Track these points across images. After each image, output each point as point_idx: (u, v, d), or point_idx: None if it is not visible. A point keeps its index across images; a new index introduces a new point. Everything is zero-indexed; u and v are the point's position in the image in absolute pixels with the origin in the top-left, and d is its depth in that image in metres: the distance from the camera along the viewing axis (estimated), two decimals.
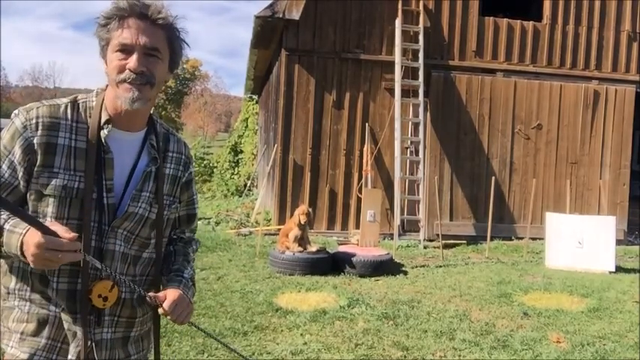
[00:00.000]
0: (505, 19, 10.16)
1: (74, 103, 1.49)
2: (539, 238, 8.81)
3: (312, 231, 8.59)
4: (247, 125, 19.17)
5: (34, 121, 1.42)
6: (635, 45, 10.49)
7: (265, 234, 8.72)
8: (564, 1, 10.23)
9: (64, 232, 1.29)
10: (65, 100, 1.49)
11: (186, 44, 1.54)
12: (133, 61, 1.42)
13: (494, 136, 10.08)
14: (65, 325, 1.47)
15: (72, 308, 1.45)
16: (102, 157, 1.46)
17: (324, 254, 6.81)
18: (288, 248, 6.70)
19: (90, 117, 1.47)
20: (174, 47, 1.51)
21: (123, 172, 1.51)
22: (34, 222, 1.29)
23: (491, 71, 10.09)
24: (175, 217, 1.74)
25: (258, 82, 15.78)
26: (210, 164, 19.21)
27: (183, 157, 1.68)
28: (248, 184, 15.02)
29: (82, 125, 1.46)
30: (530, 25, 10.23)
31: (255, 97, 18.51)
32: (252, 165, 16.58)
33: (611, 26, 10.39)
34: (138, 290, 1.51)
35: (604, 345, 4.46)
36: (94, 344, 1.46)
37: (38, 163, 1.41)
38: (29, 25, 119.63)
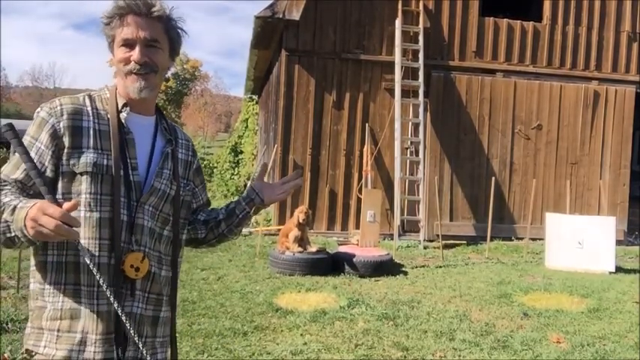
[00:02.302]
0: (505, 19, 10.16)
1: (90, 96, 1.61)
2: (539, 239, 8.81)
3: (312, 231, 8.60)
4: (247, 125, 19.16)
5: (58, 108, 1.52)
6: (635, 45, 10.50)
7: (265, 234, 8.72)
8: (564, 1, 10.24)
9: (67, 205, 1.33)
10: (81, 94, 1.61)
11: (184, 32, 1.67)
12: (135, 53, 1.56)
13: (495, 137, 10.08)
14: (88, 305, 1.50)
15: (107, 282, 1.47)
16: (124, 137, 1.57)
17: (324, 255, 6.81)
18: (288, 249, 6.70)
19: (107, 105, 1.59)
20: (172, 36, 1.64)
21: (143, 151, 1.61)
22: (48, 191, 1.34)
23: (491, 72, 10.09)
24: (199, 202, 1.84)
25: (258, 82, 15.78)
26: (210, 164, 19.20)
27: (190, 144, 1.81)
28: (248, 185, 15.02)
29: (102, 111, 1.58)
30: (530, 25, 10.23)
31: (255, 97, 18.50)
32: (252, 165, 16.58)
33: (611, 26, 10.39)
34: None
35: (604, 345, 4.46)
36: (124, 315, 1.45)
37: (67, 145, 1.50)
38: (29, 25, 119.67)
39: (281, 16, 9.20)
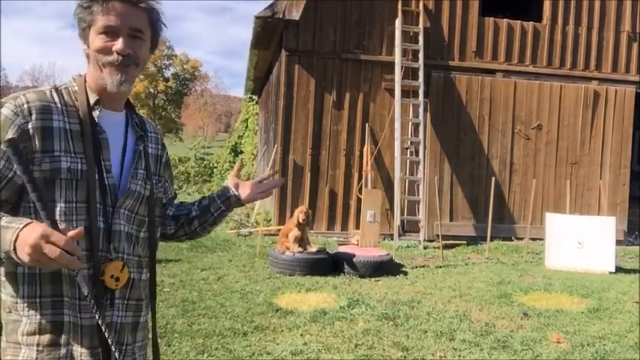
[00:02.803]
0: (505, 19, 10.16)
1: (57, 89, 1.48)
2: (539, 239, 8.81)
3: (312, 231, 8.60)
4: (247, 126, 19.18)
5: (25, 106, 1.38)
6: (635, 45, 10.50)
7: (265, 234, 8.72)
8: (564, 1, 10.24)
9: (68, 232, 1.26)
10: (46, 87, 1.48)
11: (164, 25, 1.58)
12: (119, 43, 1.44)
13: (495, 137, 10.08)
14: (77, 317, 1.43)
15: (88, 293, 1.40)
16: (97, 137, 1.46)
17: (324, 255, 6.81)
18: (288, 249, 6.70)
19: (76, 100, 1.46)
20: (156, 28, 1.54)
21: (116, 151, 1.51)
22: (50, 215, 1.25)
23: (491, 72, 10.09)
24: (169, 197, 1.76)
25: (258, 82, 15.78)
26: (210, 164, 19.22)
27: (159, 137, 1.71)
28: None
29: (71, 108, 1.45)
30: (530, 25, 10.23)
31: (255, 97, 18.51)
32: (253, 165, 16.59)
33: (611, 26, 10.39)
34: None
35: (604, 345, 4.46)
36: (107, 332, 1.40)
37: (37, 149, 1.37)
38: (29, 25, 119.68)
39: (281, 16, 9.20)
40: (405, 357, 4.11)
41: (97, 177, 1.43)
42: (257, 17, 9.35)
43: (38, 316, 1.40)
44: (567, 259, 7.66)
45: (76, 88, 1.49)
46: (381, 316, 5.00)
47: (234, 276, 6.35)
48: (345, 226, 9.67)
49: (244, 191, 1.76)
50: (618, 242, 8.46)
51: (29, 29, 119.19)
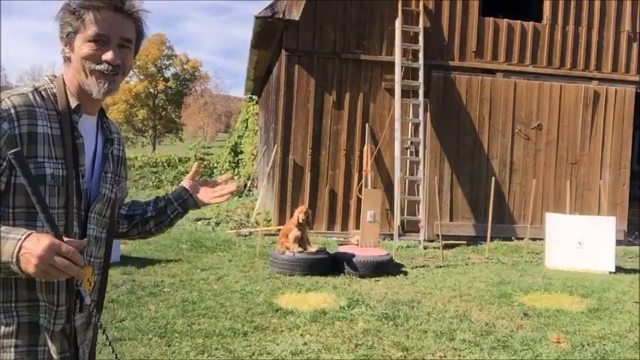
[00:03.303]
0: (505, 19, 10.16)
1: (38, 91, 1.46)
2: (539, 239, 8.81)
3: (312, 231, 8.59)
4: (247, 126, 19.17)
5: (11, 111, 1.36)
6: (635, 45, 10.50)
7: (265, 234, 8.72)
8: (564, 1, 10.24)
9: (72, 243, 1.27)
10: (27, 88, 1.46)
11: (145, 34, 1.59)
12: (110, 54, 1.44)
13: (495, 137, 10.09)
14: (46, 321, 1.43)
15: (64, 299, 1.44)
16: (75, 143, 1.46)
17: (324, 255, 6.81)
18: (288, 249, 6.70)
19: (56, 103, 1.45)
20: (141, 36, 1.56)
21: (88, 155, 1.52)
22: (54, 225, 1.25)
23: (492, 72, 10.10)
24: (125, 195, 1.80)
25: (259, 82, 15.78)
26: (210, 164, 19.20)
27: (120, 137, 1.71)
28: (248, 185, 15.02)
29: (52, 112, 1.44)
30: (530, 25, 10.23)
31: (255, 97, 18.51)
32: (252, 165, 16.59)
33: (611, 26, 10.40)
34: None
35: (604, 345, 4.46)
36: (75, 330, 1.46)
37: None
38: (29, 25, 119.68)
39: (281, 16, 9.20)
40: (405, 357, 4.11)
41: (74, 182, 1.44)
42: (257, 17, 9.35)
43: (15, 319, 1.39)
44: (567, 259, 7.66)
45: (55, 90, 1.47)
46: (381, 316, 5.00)
47: (234, 276, 6.35)
48: (345, 226, 9.67)
49: (201, 194, 1.79)
50: (618, 242, 8.45)
51: (29, 29, 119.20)
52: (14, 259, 1.21)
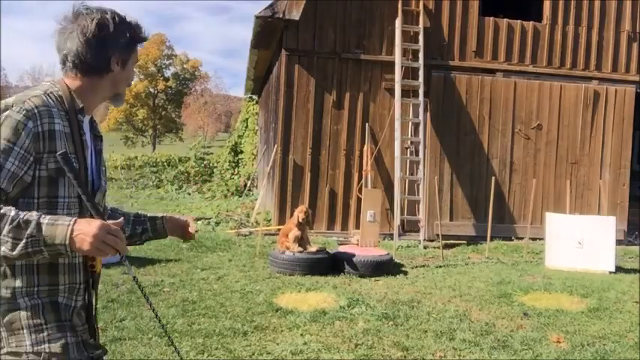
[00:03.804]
0: (505, 19, 10.16)
1: (47, 94, 1.60)
2: (539, 239, 8.81)
3: (312, 231, 8.59)
4: (247, 125, 19.17)
5: (35, 111, 1.51)
6: (635, 45, 10.49)
7: (265, 234, 8.72)
8: (564, 1, 10.23)
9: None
10: (38, 91, 1.60)
11: None
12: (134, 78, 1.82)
13: (495, 137, 10.08)
14: (66, 299, 1.60)
15: (83, 278, 1.64)
16: (82, 139, 1.64)
17: (324, 254, 6.81)
18: (288, 248, 6.70)
19: (63, 104, 1.61)
20: None
21: (88, 151, 1.70)
22: (98, 212, 1.51)
23: (492, 71, 10.09)
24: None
25: (258, 82, 15.78)
26: (210, 164, 19.21)
27: (100, 130, 1.89)
28: (248, 185, 15.02)
29: (62, 112, 1.60)
30: (530, 25, 10.23)
31: (255, 97, 18.51)
32: (252, 165, 16.59)
33: (611, 26, 10.39)
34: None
35: (604, 345, 4.46)
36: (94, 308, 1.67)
37: (45, 149, 1.52)
38: (29, 25, 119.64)
39: (281, 16, 9.20)
40: (405, 357, 4.11)
41: (83, 175, 1.62)
42: (257, 17, 9.35)
43: (39, 300, 1.55)
44: (567, 258, 7.66)
45: (61, 93, 1.63)
46: (381, 316, 5.00)
47: (234, 276, 6.35)
48: (345, 226, 9.67)
49: (170, 226, 2.01)
50: (618, 242, 8.45)
51: (29, 29, 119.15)
52: (67, 241, 1.39)
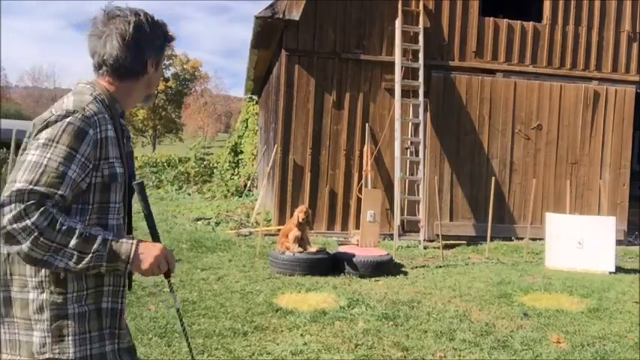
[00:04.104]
0: (505, 19, 10.16)
1: (99, 99, 1.61)
2: (539, 239, 8.80)
3: (312, 231, 8.59)
4: (247, 126, 19.16)
5: (94, 118, 1.53)
6: (635, 45, 10.49)
7: (265, 234, 8.71)
8: (564, 1, 10.23)
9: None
10: (89, 97, 1.59)
11: None
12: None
13: (495, 137, 10.08)
14: (111, 302, 1.64)
15: (122, 283, 1.67)
16: (124, 143, 1.67)
17: (324, 255, 6.81)
18: (288, 249, 6.70)
19: (106, 108, 1.61)
20: None
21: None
22: (155, 232, 1.65)
23: (492, 72, 10.09)
24: None
25: (259, 82, 15.78)
26: (210, 164, 19.20)
27: (129, 134, 1.95)
28: (248, 185, 15.02)
29: (107, 117, 1.61)
30: (530, 25, 10.23)
31: (255, 97, 18.50)
32: (252, 165, 16.58)
33: (611, 26, 10.39)
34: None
35: (604, 345, 4.46)
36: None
37: (100, 157, 1.54)
38: (29, 25, 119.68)
39: (281, 16, 9.20)
40: (405, 357, 4.11)
41: (126, 179, 1.66)
42: (257, 17, 9.35)
43: (84, 307, 1.56)
44: (567, 259, 7.66)
45: (104, 97, 1.62)
46: (381, 316, 4.99)
47: (234, 276, 6.34)
48: (345, 226, 9.67)
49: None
50: (618, 242, 8.45)
51: (29, 29, 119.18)
52: (131, 260, 1.50)
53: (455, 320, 4.99)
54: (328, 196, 9.63)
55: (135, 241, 1.51)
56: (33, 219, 1.36)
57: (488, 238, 8.69)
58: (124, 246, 1.49)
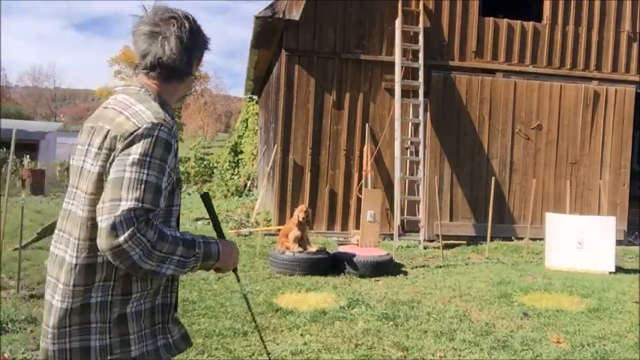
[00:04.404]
0: (505, 19, 10.16)
1: (161, 105, 1.64)
2: (539, 239, 8.80)
3: (312, 231, 8.59)
4: (247, 125, 19.18)
5: (173, 131, 1.58)
6: (635, 45, 10.49)
7: (265, 234, 8.72)
8: (564, 1, 10.23)
9: None
10: (155, 104, 1.61)
11: None
12: None
13: (495, 137, 10.08)
14: (162, 298, 1.69)
15: (174, 278, 1.72)
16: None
17: (324, 254, 6.81)
18: (288, 249, 6.70)
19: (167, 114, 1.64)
20: None
21: None
22: (223, 235, 1.81)
23: (492, 71, 10.09)
24: None
25: (259, 82, 15.78)
26: (210, 164, 19.20)
27: None
28: (248, 185, 15.02)
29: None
30: (530, 25, 10.23)
31: (255, 97, 18.51)
32: (252, 165, 16.59)
33: (611, 26, 10.39)
34: None
35: (604, 345, 4.46)
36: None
37: (174, 164, 1.60)
38: (29, 25, 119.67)
39: (281, 16, 9.20)
40: (405, 357, 4.11)
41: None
42: (257, 17, 9.35)
43: (142, 306, 1.62)
44: (567, 259, 7.66)
45: (160, 100, 1.65)
46: (381, 316, 4.99)
47: (234, 276, 6.33)
48: (345, 226, 9.67)
49: None
50: (618, 242, 8.45)
51: (29, 29, 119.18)
52: (218, 258, 1.64)
53: (455, 320, 4.99)
54: (328, 196, 9.63)
55: (217, 241, 1.65)
56: (146, 235, 1.44)
57: (488, 238, 8.69)
58: (213, 246, 1.62)
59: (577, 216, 8.66)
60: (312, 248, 6.84)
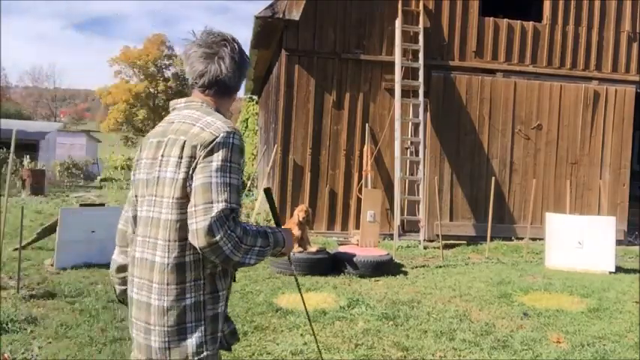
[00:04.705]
0: (505, 19, 10.16)
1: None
2: (539, 239, 8.81)
3: (312, 231, 8.60)
4: (247, 126, 19.16)
5: (241, 135, 1.75)
6: (635, 45, 10.50)
7: None
8: (564, 1, 10.24)
9: None
10: (219, 114, 1.80)
11: None
12: None
13: (495, 137, 10.08)
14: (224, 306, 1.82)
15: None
16: None
17: (324, 255, 6.81)
18: None
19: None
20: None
21: None
22: (280, 223, 2.00)
23: (492, 71, 10.09)
24: None
25: (258, 82, 15.78)
26: None
27: None
28: (248, 185, 15.02)
29: None
30: (530, 25, 10.23)
31: (255, 97, 18.50)
32: (252, 165, 16.58)
33: (611, 26, 10.39)
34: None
35: (604, 345, 4.46)
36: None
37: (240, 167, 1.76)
38: (29, 25, 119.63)
39: (281, 16, 9.20)
40: (405, 357, 4.11)
41: None
42: (257, 17, 9.35)
43: (224, 306, 1.79)
44: (567, 259, 7.66)
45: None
46: (381, 316, 4.99)
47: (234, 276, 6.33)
48: (345, 226, 9.67)
49: None
50: (618, 242, 8.45)
51: (29, 29, 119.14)
52: (285, 243, 1.82)
53: (455, 320, 4.99)
54: (328, 196, 9.63)
55: (280, 230, 1.83)
56: (235, 231, 1.62)
57: (488, 238, 8.69)
58: (278, 235, 1.79)
59: (577, 216, 8.66)
60: (312, 248, 6.84)
